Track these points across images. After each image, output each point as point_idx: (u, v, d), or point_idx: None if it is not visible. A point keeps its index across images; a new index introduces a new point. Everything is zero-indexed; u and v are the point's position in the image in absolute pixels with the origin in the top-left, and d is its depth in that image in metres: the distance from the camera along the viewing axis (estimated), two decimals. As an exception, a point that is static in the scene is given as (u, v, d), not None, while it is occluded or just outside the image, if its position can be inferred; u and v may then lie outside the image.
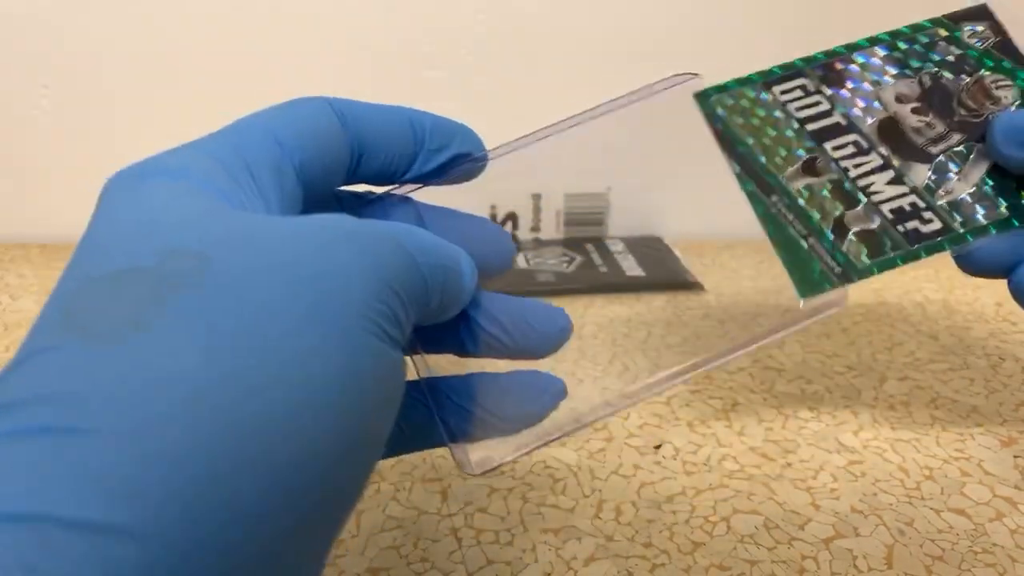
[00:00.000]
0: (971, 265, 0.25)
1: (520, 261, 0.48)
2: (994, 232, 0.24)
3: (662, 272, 0.47)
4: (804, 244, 0.23)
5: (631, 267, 0.48)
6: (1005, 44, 0.26)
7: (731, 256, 0.46)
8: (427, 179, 0.23)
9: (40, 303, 0.47)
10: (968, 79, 0.26)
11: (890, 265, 0.23)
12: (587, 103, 0.25)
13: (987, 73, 0.26)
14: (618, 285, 0.46)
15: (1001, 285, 0.25)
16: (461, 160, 0.23)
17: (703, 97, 0.25)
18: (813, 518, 0.29)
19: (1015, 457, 0.32)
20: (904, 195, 0.24)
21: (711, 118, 0.25)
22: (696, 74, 0.25)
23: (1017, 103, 0.25)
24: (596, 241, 0.52)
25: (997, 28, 0.26)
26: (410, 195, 0.23)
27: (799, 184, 0.23)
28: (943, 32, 0.26)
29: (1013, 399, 0.37)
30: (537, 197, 0.51)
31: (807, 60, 0.26)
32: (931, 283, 0.50)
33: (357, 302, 0.16)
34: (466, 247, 0.20)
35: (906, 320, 0.45)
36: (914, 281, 0.50)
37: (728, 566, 0.26)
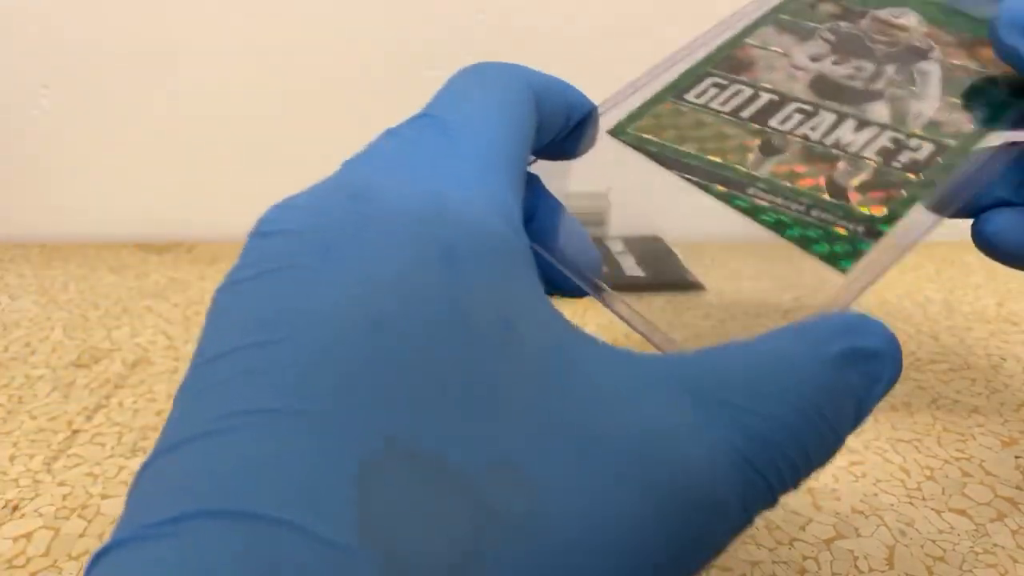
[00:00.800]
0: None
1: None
2: (987, 133, 0.22)
3: (662, 272, 0.47)
4: (810, 219, 0.21)
5: (631, 267, 0.48)
6: None
7: (731, 256, 0.46)
8: (562, 154, 0.21)
9: (39, 303, 0.47)
10: (864, 20, 0.25)
11: (909, 203, 0.21)
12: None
13: (877, 10, 0.26)
14: (618, 285, 0.46)
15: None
16: (580, 127, 0.21)
17: (619, 132, 0.24)
18: (814, 518, 0.29)
19: (1016, 457, 0.32)
20: (878, 135, 0.22)
21: (639, 144, 0.23)
22: None
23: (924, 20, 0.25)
24: (596, 241, 0.51)
25: None
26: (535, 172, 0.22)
27: (768, 168, 0.22)
28: None
29: (1014, 399, 0.37)
30: (537, 197, 0.50)
31: (705, 62, 0.26)
32: (932, 283, 0.50)
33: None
34: (570, 251, 0.19)
35: (907, 320, 0.45)
36: (915, 281, 0.50)
37: (729, 566, 0.26)
